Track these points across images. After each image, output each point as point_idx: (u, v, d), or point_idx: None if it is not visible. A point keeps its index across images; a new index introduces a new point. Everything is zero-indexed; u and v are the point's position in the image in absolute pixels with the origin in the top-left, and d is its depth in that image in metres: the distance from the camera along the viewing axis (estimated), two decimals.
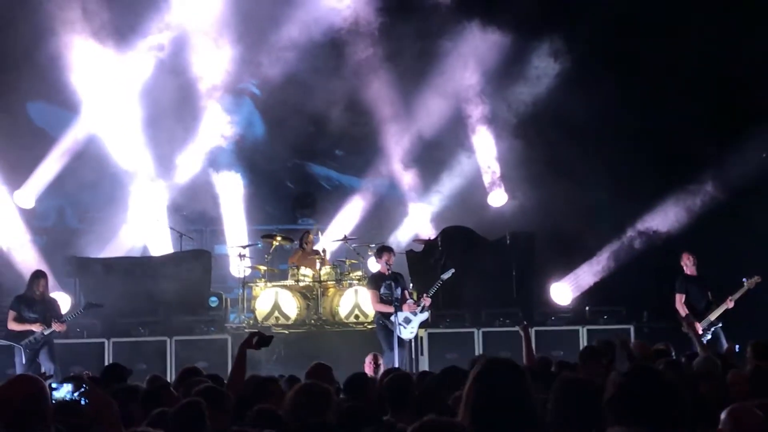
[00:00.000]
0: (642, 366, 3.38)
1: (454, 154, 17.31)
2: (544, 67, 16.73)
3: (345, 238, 15.78)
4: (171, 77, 16.42)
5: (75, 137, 16.53)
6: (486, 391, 3.53)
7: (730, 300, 12.55)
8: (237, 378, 6.38)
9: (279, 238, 15.79)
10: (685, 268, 13.00)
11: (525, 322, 9.70)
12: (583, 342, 13.82)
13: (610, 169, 15.61)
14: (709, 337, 12.48)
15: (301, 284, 15.11)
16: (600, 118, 15.34)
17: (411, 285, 12.99)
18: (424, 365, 13.00)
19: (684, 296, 12.89)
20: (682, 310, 12.78)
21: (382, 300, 12.36)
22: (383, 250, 12.71)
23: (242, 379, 6.37)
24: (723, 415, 4.03)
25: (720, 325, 12.64)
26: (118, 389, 6.65)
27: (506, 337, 13.23)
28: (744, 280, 12.56)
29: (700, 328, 12.24)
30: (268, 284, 15.06)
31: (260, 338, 6.57)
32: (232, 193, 17.47)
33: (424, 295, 12.53)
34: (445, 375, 6.56)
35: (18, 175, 16.12)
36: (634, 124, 15.63)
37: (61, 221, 18.15)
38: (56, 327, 12.20)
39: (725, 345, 11.86)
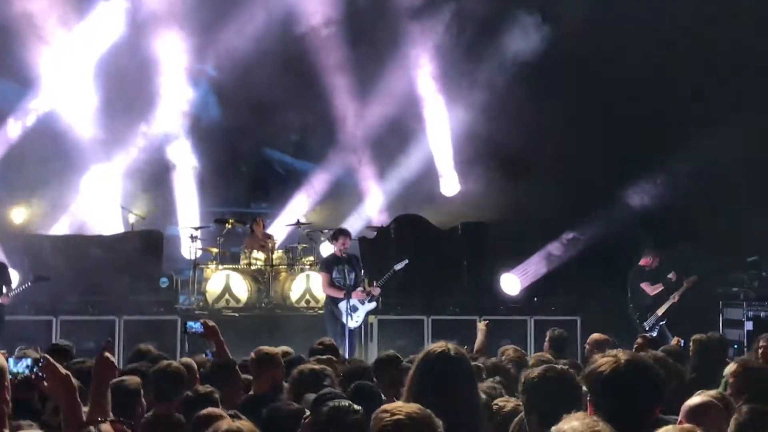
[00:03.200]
0: (633, 358, 3.43)
1: (409, 142, 17.38)
2: (505, 55, 16.82)
3: (298, 223, 15.79)
4: (127, 54, 16.26)
5: (28, 113, 16.32)
6: (426, 379, 3.60)
7: (676, 295, 13.29)
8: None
9: (231, 221, 15.76)
10: (643, 261, 13.51)
11: (488, 321, 9.90)
12: (531, 332, 14.04)
13: (564, 160, 15.80)
14: (655, 333, 12.87)
15: (253, 268, 15.09)
16: (557, 109, 15.49)
17: (362, 271, 13.05)
18: (373, 352, 13.07)
19: (648, 284, 13.53)
20: (651, 291, 13.50)
21: (333, 284, 12.39)
22: (339, 233, 12.69)
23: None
24: (685, 408, 4.13)
25: (664, 322, 13.26)
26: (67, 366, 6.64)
27: (456, 325, 13.39)
28: (684, 280, 13.39)
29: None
30: (220, 267, 15.02)
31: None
32: (185, 174, 17.38)
33: (374, 283, 12.60)
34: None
35: None
36: (591, 117, 15.77)
37: (10, 194, 17.90)
38: (2, 300, 12.04)
39: (669, 338, 12.22)
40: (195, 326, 6.49)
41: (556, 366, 4.05)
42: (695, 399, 4.17)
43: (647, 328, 13.13)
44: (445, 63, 16.95)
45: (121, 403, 4.58)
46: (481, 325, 9.32)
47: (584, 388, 3.53)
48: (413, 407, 3.28)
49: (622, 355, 3.40)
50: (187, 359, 6.42)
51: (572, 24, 15.66)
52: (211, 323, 6.75)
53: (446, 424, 3.31)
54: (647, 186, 15.99)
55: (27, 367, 4.17)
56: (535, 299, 15.27)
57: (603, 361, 3.38)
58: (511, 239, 15.95)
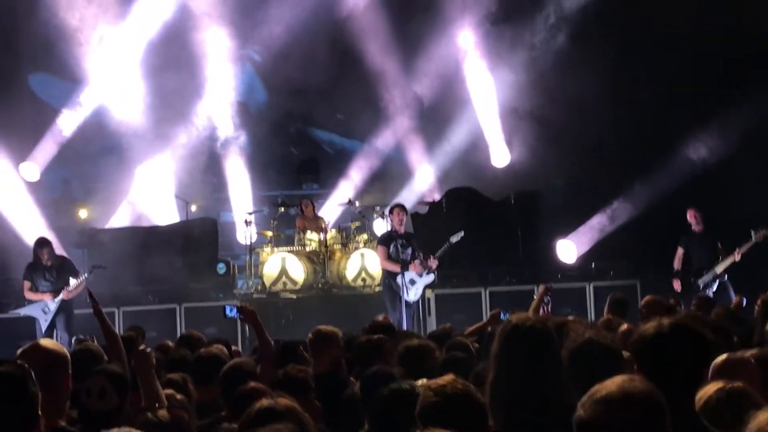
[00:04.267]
0: (676, 322, 3.41)
1: (456, 115, 17.28)
2: (550, 20, 16.61)
3: (350, 202, 15.82)
4: (173, 44, 16.37)
5: (79, 108, 16.55)
6: (510, 349, 3.59)
7: (738, 253, 12.39)
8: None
9: (284, 204, 15.85)
10: (691, 224, 13.03)
11: (550, 284, 9.46)
12: (591, 298, 13.94)
13: (615, 123, 15.55)
14: (714, 289, 12.56)
15: (308, 249, 15.17)
16: (606, 71, 15.23)
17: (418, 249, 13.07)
18: (431, 326, 13.08)
19: (682, 251, 12.95)
20: (676, 264, 12.96)
21: (390, 258, 12.44)
22: (393, 208, 12.81)
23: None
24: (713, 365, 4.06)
25: (726, 278, 12.63)
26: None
27: (513, 296, 13.33)
28: (752, 232, 12.38)
29: (679, 286, 12.73)
30: (275, 249, 15.13)
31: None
32: (236, 159, 17.51)
33: (431, 256, 12.60)
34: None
35: (22, 148, 16.13)
36: (640, 77, 15.47)
37: (67, 193, 18.20)
38: (64, 295, 12.22)
39: (733, 297, 11.93)
40: (232, 313, 6.40)
41: (594, 338, 4.03)
42: (722, 357, 4.07)
43: (701, 287, 12.57)
44: (489, 32, 16.77)
45: None
46: (542, 290, 8.73)
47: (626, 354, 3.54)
48: (456, 384, 3.34)
49: (666, 320, 3.38)
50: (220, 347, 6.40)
51: None
52: (249, 307, 6.58)
53: (535, 396, 3.35)
54: (704, 141, 15.56)
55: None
56: (593, 265, 15.12)
57: (647, 326, 3.38)
58: (565, 207, 15.83)
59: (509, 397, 3.46)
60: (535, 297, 8.81)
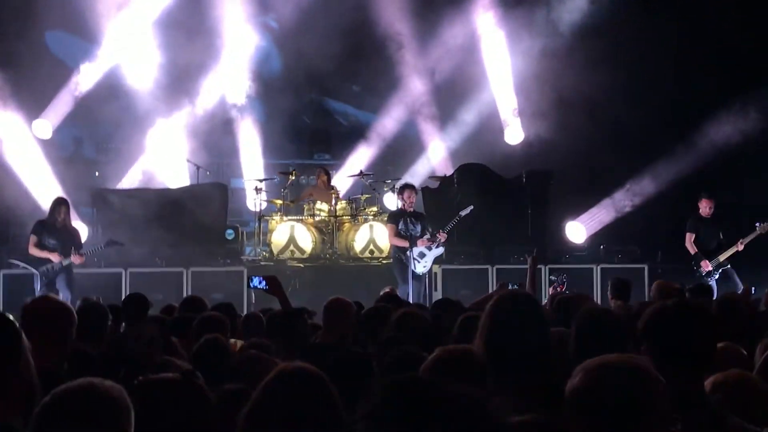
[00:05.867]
0: (683, 300, 3.42)
1: (471, 91, 17.19)
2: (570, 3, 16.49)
3: (361, 174, 15.81)
4: (190, 8, 16.32)
5: (93, 68, 16.53)
6: (501, 320, 3.58)
7: (741, 243, 12.59)
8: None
9: (295, 173, 15.84)
10: (700, 209, 12.98)
11: (534, 253, 9.45)
12: (597, 280, 13.92)
13: (631, 104, 15.44)
14: (716, 276, 12.59)
15: (317, 219, 15.18)
16: (623, 52, 15.13)
17: (428, 227, 13.08)
18: None
19: (693, 236, 12.94)
20: (691, 249, 12.93)
21: (399, 235, 12.51)
22: (404, 188, 12.87)
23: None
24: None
25: (728, 266, 12.67)
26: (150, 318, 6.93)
27: (520, 274, 13.24)
28: (757, 224, 12.56)
29: (709, 266, 12.65)
30: (284, 218, 15.13)
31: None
32: (249, 126, 17.48)
33: (440, 230, 12.64)
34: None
35: (36, 106, 16.12)
36: (665, 57, 15.35)
37: (79, 152, 18.21)
38: (75, 259, 12.13)
39: (739, 284, 11.95)
40: (260, 284, 6.45)
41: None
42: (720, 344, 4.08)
43: (703, 274, 12.63)
44: (507, 8, 16.65)
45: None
46: (529, 260, 8.68)
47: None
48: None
49: (671, 301, 3.40)
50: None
51: None
52: (274, 278, 6.62)
53: (518, 363, 3.40)
54: (722, 127, 15.42)
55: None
56: (602, 247, 15.10)
57: (652, 307, 3.39)
58: (577, 187, 15.78)
59: (497, 362, 3.48)
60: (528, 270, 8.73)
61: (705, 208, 12.89)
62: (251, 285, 6.48)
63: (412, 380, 2.11)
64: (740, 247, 12.59)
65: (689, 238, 12.95)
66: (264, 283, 6.46)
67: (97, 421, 2.56)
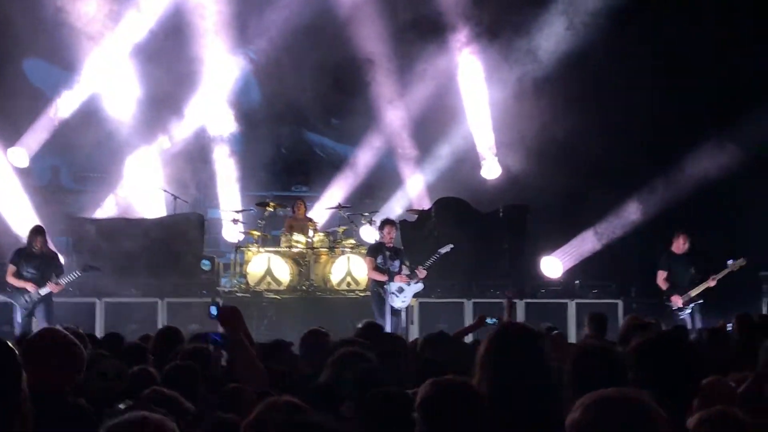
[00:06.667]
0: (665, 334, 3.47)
1: (449, 125, 17.27)
2: (547, 33, 16.60)
3: (339, 206, 15.83)
4: (169, 38, 16.35)
5: (72, 97, 16.50)
6: (502, 353, 3.57)
7: (713, 278, 12.61)
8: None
9: (273, 205, 15.82)
10: (674, 245, 13.04)
11: (510, 293, 9.56)
12: (573, 315, 13.98)
13: (608, 141, 15.55)
14: (688, 311, 12.67)
15: (294, 250, 15.15)
16: (605, 84, 15.24)
17: (406, 262, 13.12)
18: (414, 334, 13.08)
19: (666, 273, 12.98)
20: (663, 285, 12.96)
21: (378, 269, 12.53)
22: (385, 223, 12.94)
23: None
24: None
25: (701, 301, 12.73)
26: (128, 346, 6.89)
27: (497, 308, 13.29)
28: (729, 261, 12.63)
29: (680, 301, 12.69)
30: (261, 249, 15.10)
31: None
32: (226, 157, 17.48)
33: (420, 267, 12.67)
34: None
35: (12, 134, 16.07)
36: (641, 91, 15.50)
37: (56, 181, 18.14)
38: (51, 287, 12.09)
39: (698, 323, 12.12)
40: (215, 314, 5.55)
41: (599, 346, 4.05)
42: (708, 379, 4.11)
43: (674, 308, 12.68)
44: (485, 44, 16.77)
45: None
46: (505, 300, 8.79)
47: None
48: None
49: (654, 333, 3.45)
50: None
51: None
52: (233, 309, 5.65)
53: (524, 401, 3.39)
54: (700, 161, 15.53)
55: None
56: (577, 282, 15.18)
57: (639, 337, 3.47)
58: (553, 222, 15.87)
59: (501, 401, 3.45)
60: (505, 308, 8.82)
61: (680, 244, 12.95)
62: (211, 315, 5.61)
63: None
64: (712, 283, 12.62)
65: (660, 276, 12.98)
66: (216, 311, 5.57)
67: None
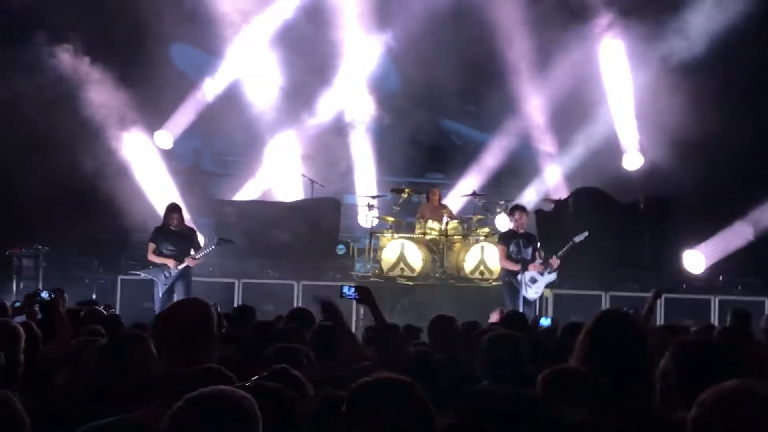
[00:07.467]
0: None
1: (590, 114, 16.88)
2: (693, 23, 15.99)
3: (474, 194, 15.70)
4: (309, 24, 16.55)
5: (215, 82, 16.90)
6: (601, 338, 3.57)
7: None
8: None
9: (408, 191, 15.82)
10: None
11: (658, 291, 9.28)
12: (715, 312, 13.47)
13: (754, 136, 14.93)
14: None
15: (428, 237, 15.12)
16: (746, 83, 14.65)
17: (539, 245, 12.86)
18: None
19: None
20: None
21: (510, 257, 12.33)
22: (515, 209, 12.74)
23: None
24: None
25: None
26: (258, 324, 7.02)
27: (634, 301, 12.94)
28: None
29: None
30: (395, 235, 15.11)
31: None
32: (363, 144, 17.59)
33: (554, 256, 12.42)
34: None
35: (158, 117, 16.58)
36: None
37: (198, 163, 18.65)
38: (188, 261, 12.44)
39: None
40: (349, 292, 6.19)
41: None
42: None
43: None
44: (629, 30, 16.29)
45: None
46: (652, 295, 8.64)
47: None
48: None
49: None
50: None
51: None
52: (365, 288, 6.35)
53: (617, 384, 3.35)
54: None
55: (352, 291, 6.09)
56: (720, 278, 14.62)
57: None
58: (696, 215, 15.31)
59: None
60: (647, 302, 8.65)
61: None
62: (342, 294, 6.24)
63: None
64: None
65: None
66: (354, 292, 6.23)
67: (225, 428, 2.67)
